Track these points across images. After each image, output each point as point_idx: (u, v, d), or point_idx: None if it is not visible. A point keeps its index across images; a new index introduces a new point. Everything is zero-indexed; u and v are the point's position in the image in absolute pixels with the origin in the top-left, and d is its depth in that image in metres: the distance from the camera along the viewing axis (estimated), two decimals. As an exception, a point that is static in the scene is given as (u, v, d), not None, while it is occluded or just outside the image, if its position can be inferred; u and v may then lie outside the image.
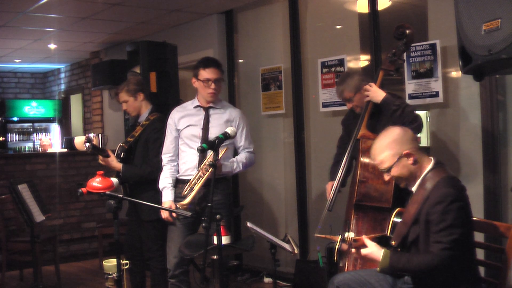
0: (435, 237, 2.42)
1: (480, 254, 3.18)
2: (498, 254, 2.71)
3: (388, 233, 2.71)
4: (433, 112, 4.18)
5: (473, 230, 2.62)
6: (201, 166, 3.53)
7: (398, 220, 2.71)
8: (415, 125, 3.37)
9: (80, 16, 5.84)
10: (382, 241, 2.67)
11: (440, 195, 2.44)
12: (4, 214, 5.49)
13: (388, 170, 2.65)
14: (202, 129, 3.71)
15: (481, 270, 3.14)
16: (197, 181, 3.52)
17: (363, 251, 2.60)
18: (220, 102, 3.87)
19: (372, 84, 3.49)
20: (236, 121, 3.79)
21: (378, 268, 2.55)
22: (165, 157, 3.81)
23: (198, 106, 3.80)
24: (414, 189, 2.66)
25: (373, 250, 2.57)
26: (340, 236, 2.69)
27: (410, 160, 2.62)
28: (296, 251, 3.20)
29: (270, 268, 3.48)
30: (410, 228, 2.57)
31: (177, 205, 3.48)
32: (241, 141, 3.80)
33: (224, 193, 3.75)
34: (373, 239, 2.67)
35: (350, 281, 2.75)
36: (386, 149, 2.65)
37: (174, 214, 3.60)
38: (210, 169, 3.45)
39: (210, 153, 3.48)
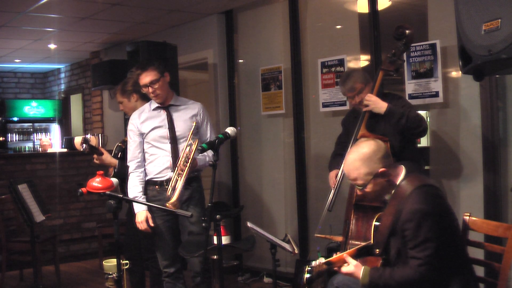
0: (411, 253, 2.42)
1: (480, 254, 3.18)
2: (498, 254, 2.71)
3: (372, 240, 2.69)
4: (433, 112, 4.18)
5: (458, 232, 2.58)
6: (178, 164, 3.53)
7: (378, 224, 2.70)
8: (421, 130, 3.39)
9: (80, 16, 5.84)
10: (367, 250, 2.66)
11: (410, 212, 2.42)
12: (4, 214, 5.50)
13: (362, 187, 2.60)
14: (168, 128, 3.70)
15: (481, 270, 3.14)
16: (178, 178, 3.51)
17: (344, 269, 2.56)
18: (178, 98, 3.87)
19: (370, 95, 3.48)
20: (201, 115, 3.81)
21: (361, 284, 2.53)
22: (132, 163, 3.75)
23: (157, 107, 3.78)
24: (387, 198, 2.64)
25: (354, 269, 2.53)
26: (307, 266, 2.59)
27: (385, 178, 2.58)
28: (296, 251, 3.20)
29: (270, 268, 3.47)
30: (389, 240, 2.55)
31: (166, 205, 3.43)
32: (207, 134, 3.82)
33: (198, 191, 3.78)
34: (358, 250, 2.65)
35: (349, 281, 2.75)
36: (360, 167, 2.57)
37: (151, 224, 3.59)
38: (188, 166, 3.47)
39: (182, 151, 3.53)
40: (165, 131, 3.71)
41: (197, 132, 3.76)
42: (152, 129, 3.73)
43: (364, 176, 2.57)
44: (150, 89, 3.68)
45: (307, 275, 2.56)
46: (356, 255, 2.69)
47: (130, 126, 3.82)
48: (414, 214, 2.40)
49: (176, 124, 3.72)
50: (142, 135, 3.76)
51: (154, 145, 3.73)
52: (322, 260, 2.60)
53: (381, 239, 2.59)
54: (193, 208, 3.68)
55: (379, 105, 3.43)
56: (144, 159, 3.77)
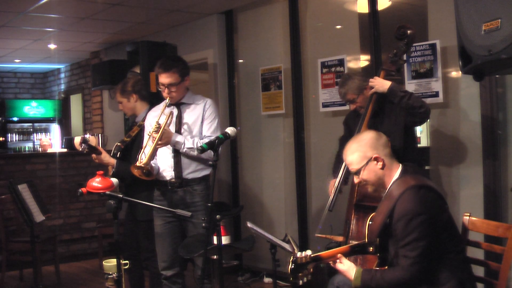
0: (401, 251, 2.43)
1: (480, 254, 3.18)
2: (498, 254, 2.71)
3: (366, 239, 2.69)
4: (433, 112, 4.16)
5: (454, 230, 2.56)
6: (149, 132, 3.51)
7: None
8: (424, 110, 3.40)
9: (80, 16, 5.84)
10: (360, 248, 2.65)
11: (401, 211, 2.43)
12: (4, 214, 5.49)
13: (357, 172, 2.64)
14: (175, 126, 3.66)
15: (481, 270, 3.14)
16: (149, 145, 3.52)
17: (338, 266, 2.57)
18: (192, 96, 3.79)
19: (376, 77, 3.50)
20: (208, 111, 3.70)
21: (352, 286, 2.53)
22: None
23: (170, 104, 3.73)
24: (383, 196, 2.64)
25: (347, 269, 2.54)
26: (292, 257, 2.57)
27: (379, 165, 2.60)
28: (296, 251, 3.20)
29: (270, 268, 3.47)
30: (386, 240, 2.55)
31: (136, 164, 3.47)
32: (204, 131, 3.69)
33: (202, 195, 3.67)
34: (353, 247, 2.65)
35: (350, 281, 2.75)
36: (356, 151, 2.64)
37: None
38: (159, 134, 3.45)
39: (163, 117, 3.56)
40: (172, 129, 3.65)
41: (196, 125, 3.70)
42: None
43: (358, 160, 2.61)
44: (166, 90, 3.63)
45: (291, 266, 2.54)
46: (350, 253, 2.69)
47: (145, 122, 3.85)
48: (405, 213, 2.41)
49: (183, 122, 3.68)
50: None
51: None
52: (308, 252, 2.59)
53: (373, 238, 2.60)
54: (201, 213, 3.55)
55: (383, 84, 3.44)
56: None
